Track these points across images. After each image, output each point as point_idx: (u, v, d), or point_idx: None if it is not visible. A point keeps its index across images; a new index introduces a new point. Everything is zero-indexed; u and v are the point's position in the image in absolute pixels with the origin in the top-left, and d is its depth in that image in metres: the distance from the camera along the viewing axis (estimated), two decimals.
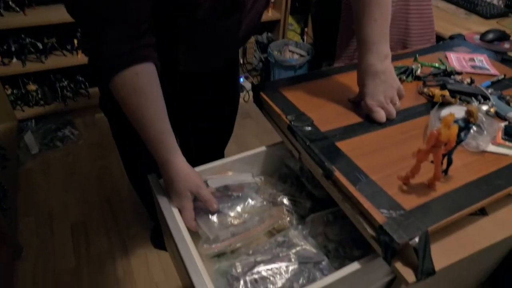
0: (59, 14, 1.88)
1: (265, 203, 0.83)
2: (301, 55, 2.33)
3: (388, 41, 0.81)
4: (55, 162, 1.99)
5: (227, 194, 0.81)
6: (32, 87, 2.10)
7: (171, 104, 1.05)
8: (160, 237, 1.47)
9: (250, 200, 0.82)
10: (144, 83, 0.69)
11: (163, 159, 0.75)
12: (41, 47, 1.99)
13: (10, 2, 1.86)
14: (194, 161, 0.89)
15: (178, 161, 0.75)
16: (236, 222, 0.77)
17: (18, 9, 1.90)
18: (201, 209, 0.77)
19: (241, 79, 2.49)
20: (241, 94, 2.36)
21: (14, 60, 1.99)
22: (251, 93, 2.51)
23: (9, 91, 2.08)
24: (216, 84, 1.10)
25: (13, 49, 1.95)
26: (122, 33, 0.64)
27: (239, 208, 0.79)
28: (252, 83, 2.56)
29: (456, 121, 0.65)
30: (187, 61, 0.89)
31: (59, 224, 1.67)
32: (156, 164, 0.86)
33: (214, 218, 0.76)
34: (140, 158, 1.13)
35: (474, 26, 1.54)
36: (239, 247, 0.77)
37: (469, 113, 0.63)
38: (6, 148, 1.84)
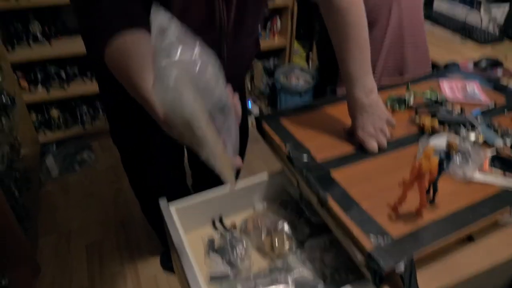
0: (81, 44, 2.01)
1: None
2: (307, 80, 2.41)
3: (371, 75, 0.86)
4: (74, 185, 2.09)
5: None
6: (54, 112, 2.23)
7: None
8: (170, 261, 1.52)
9: None
10: (131, 46, 0.65)
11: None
12: (64, 75, 2.12)
13: (38, 35, 2.01)
14: (204, 185, 0.94)
15: None
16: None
17: (45, 41, 2.04)
18: None
19: (249, 104, 2.58)
20: (249, 119, 2.43)
21: (40, 87, 2.13)
22: None
23: (33, 117, 2.21)
24: None
25: (39, 77, 2.09)
26: (112, 4, 0.67)
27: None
28: (260, 109, 2.63)
29: (437, 152, 0.70)
30: None
31: (76, 243, 1.76)
32: (164, 191, 0.91)
33: None
34: (149, 187, 1.20)
35: (469, 52, 1.58)
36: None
37: (449, 145, 0.68)
38: (29, 171, 1.94)
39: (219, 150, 0.52)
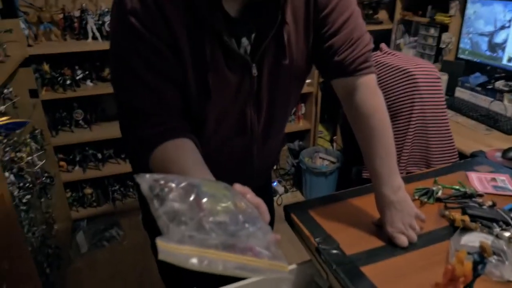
0: (118, 129, 2.17)
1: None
2: (331, 162, 2.46)
3: (397, 173, 0.88)
4: (101, 262, 2.11)
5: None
6: (88, 190, 2.34)
7: None
8: None
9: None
10: (172, 153, 0.74)
11: None
12: (100, 157, 2.27)
13: (80, 121, 2.20)
14: (229, 277, 0.95)
15: None
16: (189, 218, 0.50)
17: (86, 126, 2.22)
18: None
19: (275, 183, 2.62)
20: (274, 198, 2.45)
21: (77, 167, 2.28)
22: (284, 196, 2.61)
23: (68, 194, 2.32)
24: None
25: (77, 159, 2.25)
26: (157, 120, 0.76)
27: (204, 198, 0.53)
28: (285, 188, 2.67)
29: (471, 254, 0.69)
30: None
31: None
32: (194, 281, 0.92)
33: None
34: (177, 275, 1.20)
35: (495, 142, 1.56)
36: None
37: (482, 249, 0.68)
38: (60, 247, 1.99)
39: (250, 265, 0.50)
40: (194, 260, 0.46)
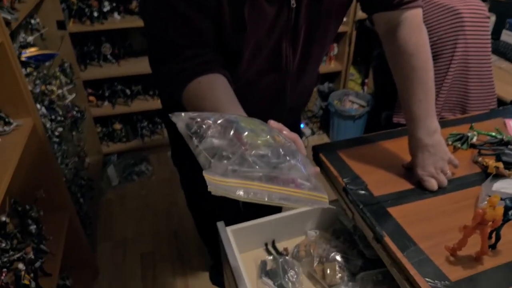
0: (146, 65, 2.17)
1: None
2: (361, 105, 2.40)
3: (435, 116, 0.86)
4: (131, 194, 2.22)
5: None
6: (117, 126, 2.41)
7: None
8: (218, 275, 1.56)
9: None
10: (205, 89, 0.73)
11: None
12: (129, 93, 2.29)
13: (108, 56, 2.19)
14: (253, 212, 0.98)
15: None
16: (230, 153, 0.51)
17: (114, 61, 2.22)
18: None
19: (302, 125, 2.61)
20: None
21: (106, 103, 2.32)
22: (310, 138, 2.61)
23: (99, 129, 2.39)
24: None
25: (106, 94, 2.28)
26: (190, 53, 0.75)
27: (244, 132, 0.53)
28: (312, 130, 2.66)
29: (503, 200, 0.68)
30: None
31: (131, 251, 1.86)
32: (220, 215, 0.96)
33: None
34: (205, 209, 1.25)
35: None
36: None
37: None
38: (93, 180, 2.10)
39: (293, 196, 0.52)
40: (241, 192, 0.48)
